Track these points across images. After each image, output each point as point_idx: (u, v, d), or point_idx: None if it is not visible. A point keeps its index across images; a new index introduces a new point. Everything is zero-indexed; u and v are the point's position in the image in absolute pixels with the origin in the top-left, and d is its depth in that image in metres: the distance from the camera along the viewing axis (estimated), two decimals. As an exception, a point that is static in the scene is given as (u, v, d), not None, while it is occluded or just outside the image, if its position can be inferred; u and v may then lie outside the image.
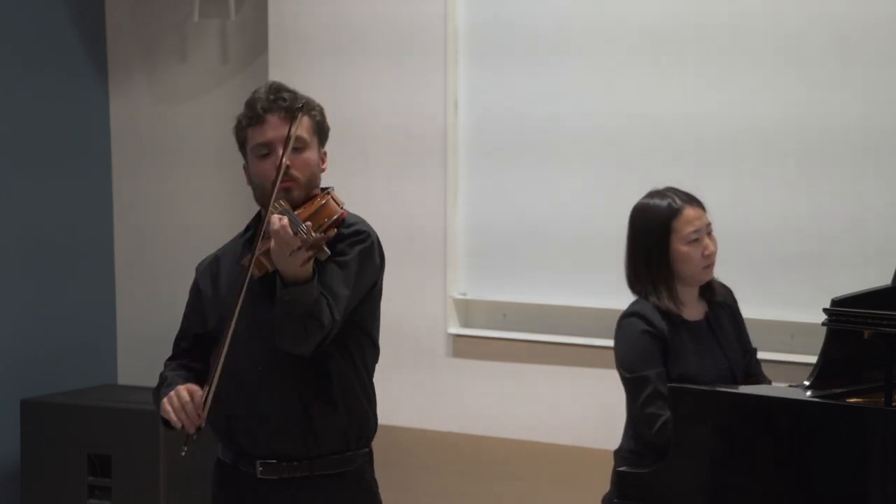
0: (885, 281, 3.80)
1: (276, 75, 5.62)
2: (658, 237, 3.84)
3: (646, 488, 3.68)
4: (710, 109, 4.84)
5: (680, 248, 3.84)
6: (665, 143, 4.94)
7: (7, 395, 5.82)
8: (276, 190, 3.23)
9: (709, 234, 3.87)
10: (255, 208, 5.77)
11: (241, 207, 6.03)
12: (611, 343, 5.01)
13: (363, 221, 3.37)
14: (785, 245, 4.74)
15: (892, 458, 3.31)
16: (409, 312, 5.35)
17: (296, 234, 3.06)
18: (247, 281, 3.21)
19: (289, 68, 5.60)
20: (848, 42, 4.61)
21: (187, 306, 3.53)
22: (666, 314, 3.83)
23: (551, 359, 5.16)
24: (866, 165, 4.61)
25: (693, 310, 3.91)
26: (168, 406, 3.22)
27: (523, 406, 5.22)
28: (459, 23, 5.31)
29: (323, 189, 3.39)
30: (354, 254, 3.28)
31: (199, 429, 3.22)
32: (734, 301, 4.03)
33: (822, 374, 3.52)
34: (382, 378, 5.09)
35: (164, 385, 3.36)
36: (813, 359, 3.59)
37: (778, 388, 3.86)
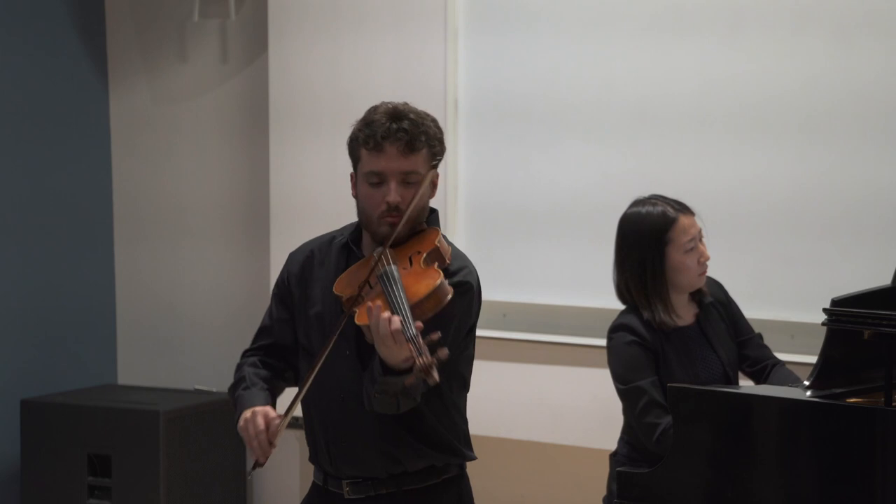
0: (885, 280, 3.80)
1: (276, 76, 5.63)
2: (653, 248, 3.81)
3: (645, 488, 3.68)
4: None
5: (677, 257, 3.81)
6: (669, 132, 4.93)
7: (7, 395, 5.82)
8: (382, 255, 3.15)
9: (700, 239, 3.85)
10: (261, 211, 5.82)
11: (242, 209, 6.04)
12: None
13: (466, 265, 3.30)
14: (785, 243, 4.74)
15: (893, 458, 3.31)
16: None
17: (407, 340, 2.96)
18: (339, 328, 3.14)
19: (289, 69, 5.60)
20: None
21: (275, 300, 3.40)
22: (654, 323, 3.82)
23: (551, 359, 5.16)
24: (869, 156, 4.61)
25: (684, 315, 3.90)
26: (244, 433, 3.17)
27: (523, 406, 5.21)
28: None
29: (430, 223, 3.31)
30: (457, 312, 3.20)
31: (267, 456, 3.17)
32: (725, 294, 4.01)
33: (822, 374, 3.52)
34: (382, 378, 5.11)
35: (242, 386, 3.31)
36: (813, 359, 3.59)
37: (778, 389, 3.86)
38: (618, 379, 3.86)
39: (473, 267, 3.33)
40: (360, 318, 3.09)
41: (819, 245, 4.67)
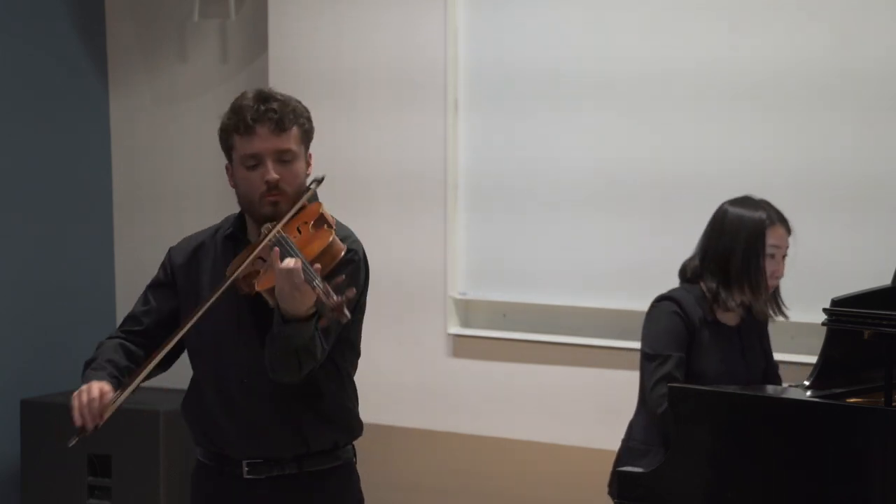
0: (886, 279, 3.80)
1: (276, 75, 5.63)
2: (750, 242, 3.87)
3: (645, 488, 3.68)
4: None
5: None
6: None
7: (7, 395, 5.82)
8: (277, 227, 3.20)
9: (783, 258, 3.93)
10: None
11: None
12: (611, 343, 5.02)
13: (351, 235, 3.35)
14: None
15: (892, 458, 3.31)
16: (409, 312, 5.36)
17: (311, 286, 3.03)
18: (220, 291, 3.19)
19: (289, 69, 5.60)
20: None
21: (154, 287, 3.47)
22: (702, 309, 3.87)
23: (551, 359, 5.16)
24: (872, 148, 4.62)
25: (731, 315, 3.94)
26: (75, 401, 3.24)
27: (523, 406, 5.21)
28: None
29: (311, 199, 3.33)
30: (346, 273, 3.23)
31: (96, 427, 3.25)
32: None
33: (822, 374, 3.52)
34: (382, 378, 5.11)
35: (92, 366, 3.35)
36: (813, 359, 3.59)
37: (778, 389, 3.86)
38: (648, 343, 3.88)
39: (358, 239, 3.37)
40: (262, 283, 3.14)
41: (819, 244, 4.66)
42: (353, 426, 3.41)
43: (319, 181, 3.28)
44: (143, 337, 3.42)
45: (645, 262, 4.88)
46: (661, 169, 4.93)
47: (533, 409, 5.19)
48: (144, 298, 3.48)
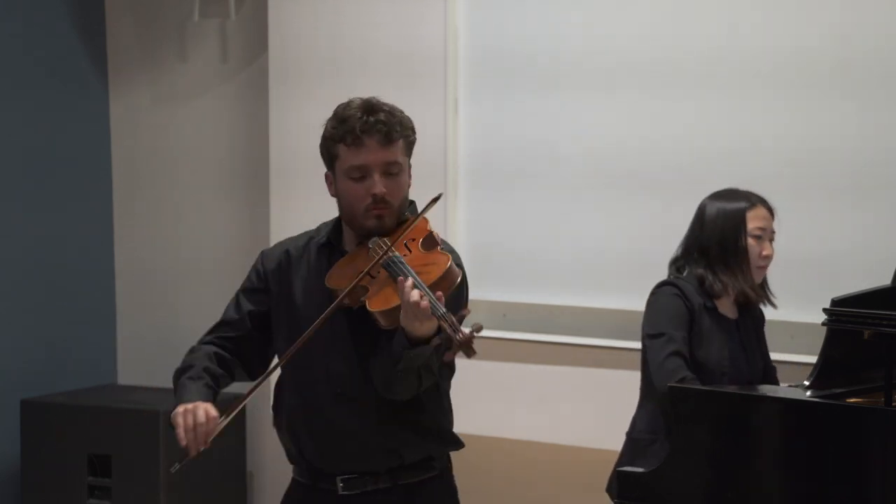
0: (886, 279, 3.80)
1: (275, 76, 5.63)
2: (729, 228, 3.91)
3: (645, 488, 3.68)
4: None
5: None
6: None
7: (7, 395, 5.82)
8: (388, 252, 3.15)
9: (770, 239, 3.96)
10: (260, 210, 5.82)
11: (242, 209, 6.03)
12: (611, 343, 5.01)
13: (453, 250, 3.32)
14: (783, 243, 4.74)
15: (892, 458, 3.31)
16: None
17: (437, 317, 3.00)
18: (327, 314, 3.12)
19: (289, 69, 5.60)
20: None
21: (247, 291, 3.38)
22: (702, 297, 3.88)
23: (551, 359, 5.15)
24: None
25: (727, 308, 3.96)
26: (180, 420, 3.11)
27: (523, 406, 5.21)
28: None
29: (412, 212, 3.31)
30: (462, 295, 3.27)
31: (199, 453, 3.12)
32: (761, 313, 4.08)
33: (822, 374, 3.52)
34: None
35: (188, 374, 3.26)
36: (813, 359, 3.59)
37: (778, 389, 3.87)
38: (650, 325, 3.88)
39: (458, 256, 3.35)
40: (376, 304, 3.10)
41: (818, 244, 4.66)
42: (448, 441, 3.39)
43: (436, 199, 3.21)
44: (237, 343, 3.36)
45: (645, 263, 4.87)
46: (663, 162, 4.92)
47: (533, 409, 5.19)
48: (237, 304, 3.39)
